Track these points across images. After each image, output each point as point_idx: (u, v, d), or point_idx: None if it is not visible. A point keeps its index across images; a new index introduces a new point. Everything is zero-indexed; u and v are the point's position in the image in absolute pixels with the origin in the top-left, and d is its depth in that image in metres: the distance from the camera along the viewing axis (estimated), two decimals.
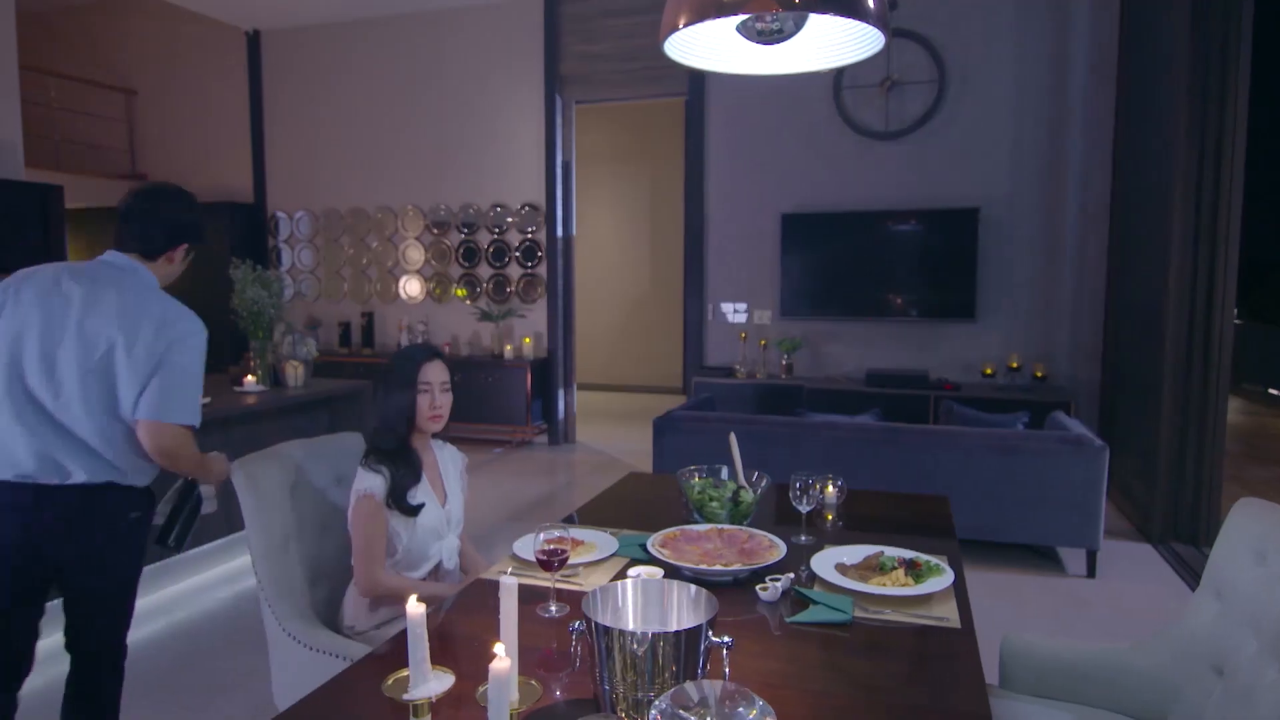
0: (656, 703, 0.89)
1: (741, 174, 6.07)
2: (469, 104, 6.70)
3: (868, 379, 5.55)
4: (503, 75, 6.58)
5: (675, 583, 1.17)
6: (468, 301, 6.85)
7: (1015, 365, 5.45)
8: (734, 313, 6.18)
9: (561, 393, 6.75)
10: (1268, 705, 1.35)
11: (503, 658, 0.84)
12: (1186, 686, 1.64)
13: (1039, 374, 5.43)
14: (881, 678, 1.39)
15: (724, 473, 2.29)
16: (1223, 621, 1.60)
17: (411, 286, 7.05)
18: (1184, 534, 4.23)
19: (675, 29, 1.64)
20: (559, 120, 6.47)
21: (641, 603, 1.16)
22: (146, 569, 3.37)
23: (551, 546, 1.63)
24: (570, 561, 1.72)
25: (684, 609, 1.14)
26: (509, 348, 6.57)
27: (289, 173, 7.31)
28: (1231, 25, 3.93)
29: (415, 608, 0.97)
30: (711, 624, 1.07)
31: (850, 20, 1.61)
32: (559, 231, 6.59)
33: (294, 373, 4.15)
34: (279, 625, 1.92)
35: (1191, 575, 3.79)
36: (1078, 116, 5.37)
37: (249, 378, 4.06)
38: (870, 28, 1.62)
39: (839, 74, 5.72)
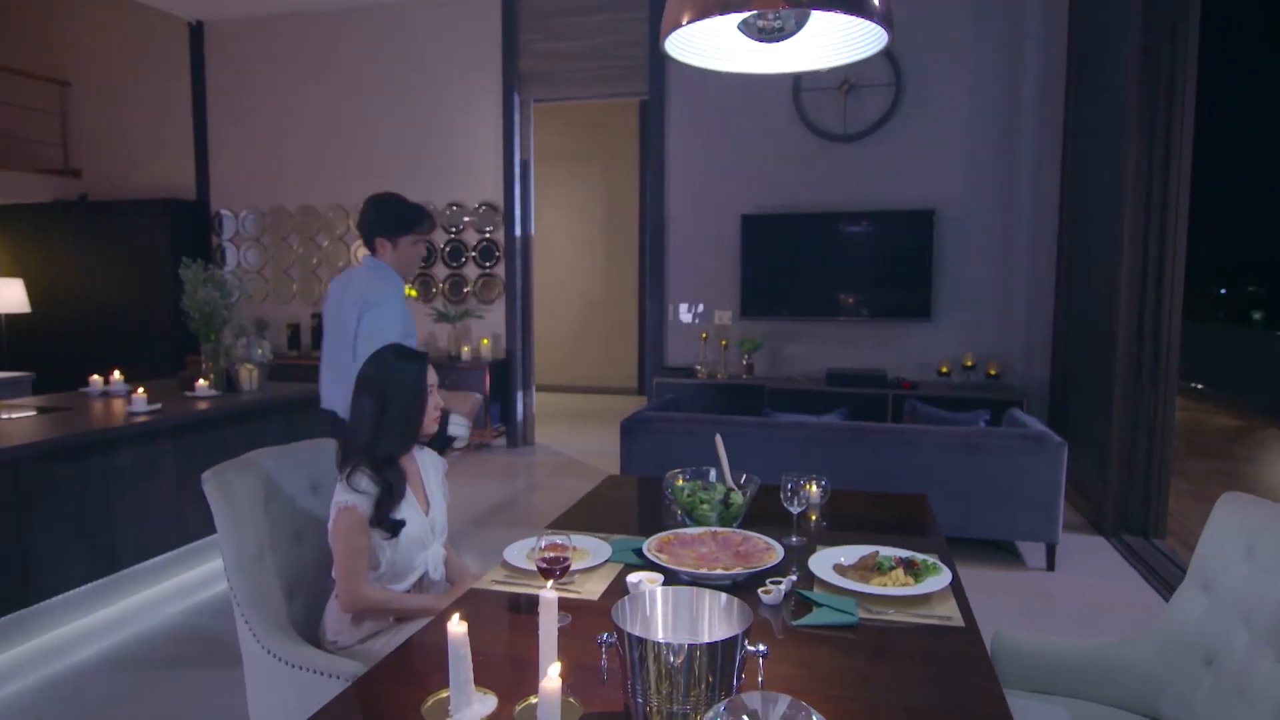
0: (709, 714, 0.86)
1: (702, 175, 6.08)
2: (424, 100, 6.57)
3: (828, 378, 5.61)
4: (459, 72, 6.47)
5: (706, 591, 1.14)
6: (417, 300, 6.71)
7: (970, 364, 5.58)
8: (695, 313, 6.18)
9: (520, 394, 6.66)
10: (1265, 697, 1.38)
11: (553, 678, 0.80)
12: (1176, 679, 1.68)
13: (992, 372, 5.57)
14: (897, 680, 1.38)
15: (712, 475, 2.27)
16: (1212, 614, 1.64)
17: None
18: (1135, 527, 4.37)
19: (678, 26, 1.61)
20: (517, 118, 6.39)
21: (672, 612, 1.13)
22: (87, 587, 3.23)
23: (553, 554, 1.59)
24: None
25: (716, 618, 1.11)
26: (466, 349, 6.46)
27: (234, 169, 7.06)
28: (1179, 35, 4.07)
29: (457, 627, 0.92)
30: (746, 633, 1.05)
31: (853, 18, 1.61)
32: (517, 231, 6.51)
33: (249, 377, 4.00)
34: (256, 642, 1.83)
35: (1144, 566, 3.92)
36: (1029, 122, 5.51)
37: (201, 382, 3.90)
38: (873, 26, 1.61)
39: (798, 76, 5.77)
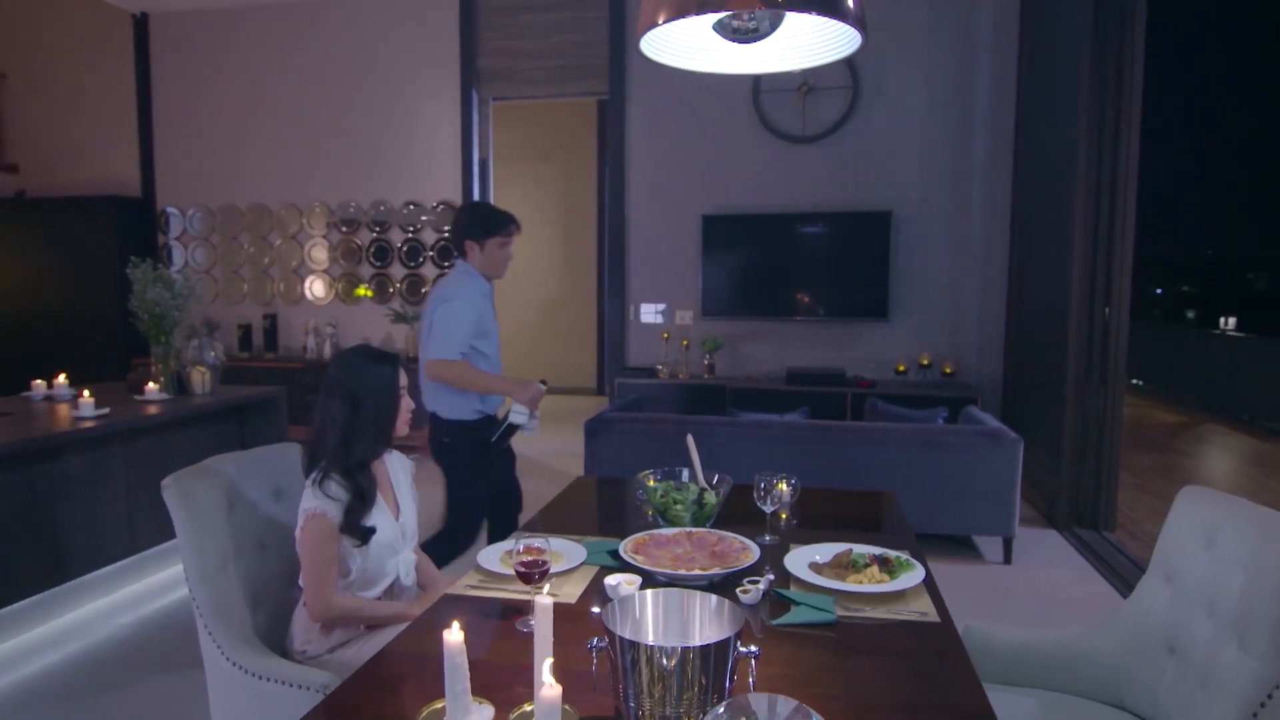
0: (708, 717, 0.86)
1: (663, 175, 6.09)
2: (380, 97, 6.46)
3: (788, 377, 5.66)
4: (416, 68, 6.37)
5: (696, 593, 1.14)
6: (373, 300, 6.60)
7: (926, 363, 5.68)
8: (656, 313, 6.18)
9: None
10: (1228, 685, 1.42)
11: (552, 685, 0.78)
12: (1140, 668, 1.72)
13: (948, 370, 5.68)
14: (880, 677, 1.40)
15: (684, 475, 2.27)
16: (1174, 605, 1.69)
17: (318, 287, 6.74)
18: (1086, 520, 4.50)
19: (654, 25, 1.61)
20: (476, 117, 6.32)
21: (663, 615, 1.12)
22: (34, 598, 3.10)
23: (531, 558, 1.57)
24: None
25: (706, 620, 1.11)
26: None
27: (182, 166, 6.86)
28: (1126, 42, 4.20)
29: (454, 636, 0.90)
30: (738, 634, 1.05)
31: (827, 20, 1.62)
32: None
33: (201, 379, 3.88)
34: (221, 654, 1.77)
35: (1096, 558, 4.04)
36: (981, 125, 5.63)
37: (151, 385, 3.77)
38: (846, 28, 1.63)
39: (757, 78, 5.81)
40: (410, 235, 6.53)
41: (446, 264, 6.50)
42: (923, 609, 1.65)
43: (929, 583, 1.76)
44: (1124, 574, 3.80)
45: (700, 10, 1.57)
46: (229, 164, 6.76)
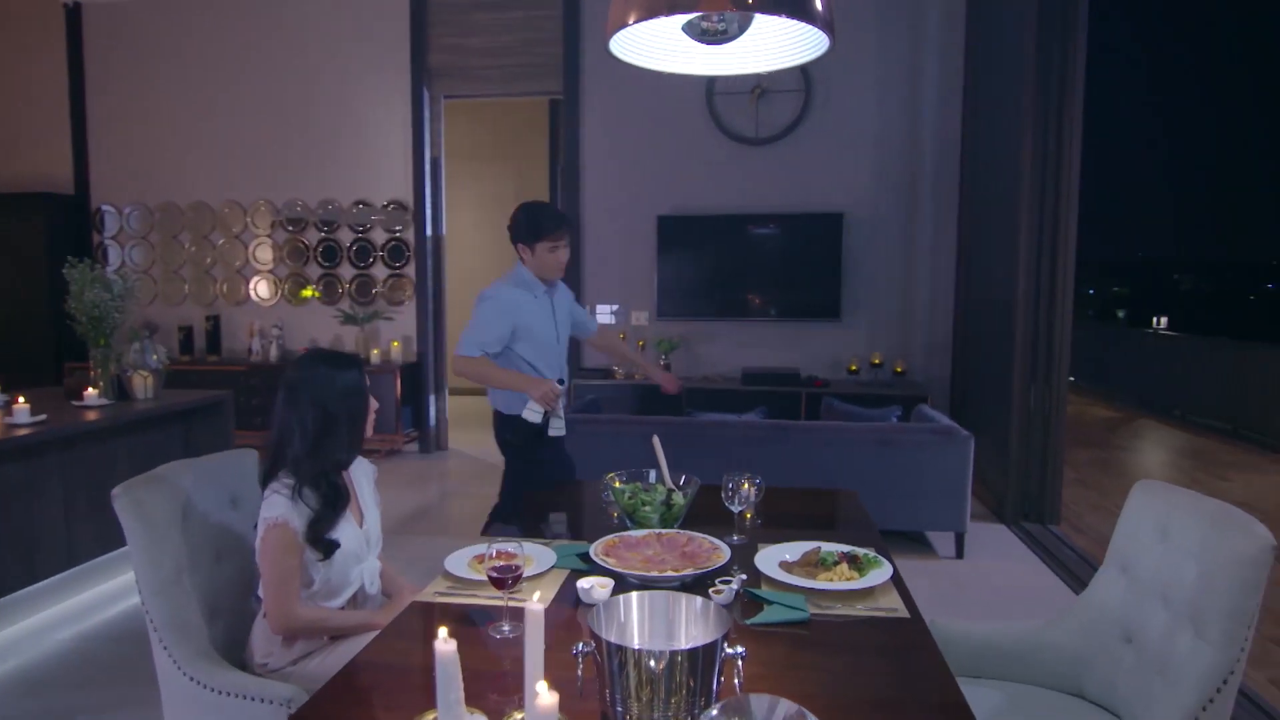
0: (702, 718, 0.85)
1: (617, 176, 6.08)
2: (328, 93, 6.32)
3: (744, 378, 5.70)
4: (365, 64, 6.25)
5: (682, 596, 1.13)
6: (320, 301, 6.45)
7: (877, 362, 5.78)
8: (610, 314, 6.17)
9: (433, 398, 6.50)
10: (1185, 671, 1.48)
11: (547, 694, 0.77)
12: (1098, 657, 1.78)
13: (899, 370, 5.79)
14: (855, 674, 1.41)
15: (651, 476, 2.27)
16: (1130, 595, 1.74)
17: (263, 288, 6.56)
18: (1033, 514, 4.63)
19: (624, 25, 1.60)
20: (427, 114, 6.23)
21: (649, 618, 1.11)
22: None
23: (504, 563, 1.55)
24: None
25: (692, 622, 1.10)
26: (375, 352, 6.26)
27: (118, 162, 6.60)
28: (1069, 50, 4.34)
29: (445, 645, 0.87)
30: (726, 636, 1.04)
31: (795, 23, 1.63)
32: (428, 230, 6.34)
33: (143, 384, 3.75)
34: (178, 669, 1.71)
35: (1043, 551, 4.16)
36: (929, 129, 5.76)
37: (89, 390, 3.62)
38: (815, 30, 1.64)
39: (711, 80, 5.84)
40: (360, 235, 6.40)
41: (398, 264, 6.39)
42: (892, 605, 1.67)
43: (896, 579, 1.79)
44: (1070, 566, 3.92)
45: (671, 11, 1.57)
46: (168, 160, 6.54)
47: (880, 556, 1.86)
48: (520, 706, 0.95)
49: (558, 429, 2.87)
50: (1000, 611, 3.44)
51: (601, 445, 4.10)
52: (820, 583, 1.73)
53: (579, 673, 1.05)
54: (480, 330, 2.86)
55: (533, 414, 2.78)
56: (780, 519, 2.32)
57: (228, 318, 6.57)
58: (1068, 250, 4.46)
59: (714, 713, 0.85)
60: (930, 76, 5.72)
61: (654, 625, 1.11)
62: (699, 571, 1.75)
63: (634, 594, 1.13)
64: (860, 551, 1.87)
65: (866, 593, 1.72)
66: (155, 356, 3.81)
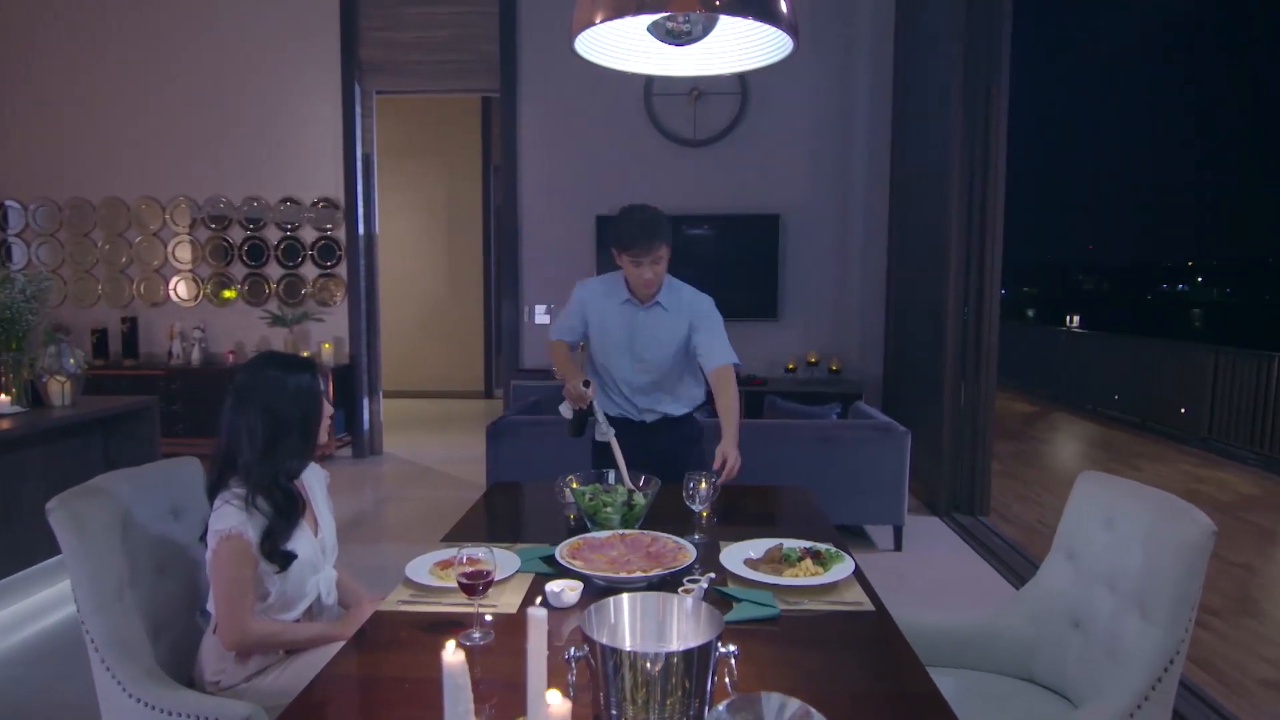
0: (709, 715, 0.85)
1: (556, 175, 6.04)
2: (252, 85, 6.08)
3: None
4: (292, 56, 6.04)
5: (673, 597, 1.13)
6: (247, 303, 6.22)
7: (814, 361, 5.90)
8: (548, 314, 6.13)
9: (366, 401, 6.33)
10: (1135, 653, 1.55)
11: (560, 703, 0.75)
12: (1047, 642, 1.85)
13: (834, 368, 5.92)
14: (829, 668, 1.43)
15: (610, 477, 2.26)
16: (1077, 582, 1.82)
17: (184, 288, 6.28)
18: (964, 506, 4.80)
19: (590, 24, 1.59)
20: (358, 109, 6.06)
21: (640, 619, 1.11)
22: None
23: (473, 569, 1.52)
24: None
25: (683, 622, 1.10)
26: (306, 354, 6.06)
27: (22, 155, 6.21)
28: (994, 57, 4.51)
29: (453, 656, 0.85)
30: (719, 636, 1.05)
31: (760, 25, 1.65)
32: (360, 229, 6.17)
33: (60, 389, 3.54)
34: (123, 691, 1.62)
35: (975, 541, 4.31)
36: (860, 131, 5.90)
37: (1, 397, 3.40)
38: (779, 33, 1.66)
39: (649, 81, 5.86)
40: (288, 234, 6.18)
41: (328, 263, 6.20)
42: (857, 599, 1.71)
43: (858, 573, 1.83)
44: (1001, 555, 4.08)
45: (639, 11, 1.57)
46: (79, 154, 6.19)
47: (841, 551, 1.89)
48: (523, 713, 0.93)
49: (602, 434, 2.58)
50: (940, 600, 3.55)
51: (545, 447, 4.07)
52: (786, 579, 1.75)
53: (570, 677, 1.04)
54: (562, 316, 2.86)
55: (565, 410, 2.68)
56: (735, 517, 2.34)
57: (145, 320, 6.27)
58: (995, 255, 4.64)
59: (721, 709, 0.85)
60: (862, 81, 5.87)
61: (645, 627, 1.11)
62: (667, 571, 1.75)
63: (625, 596, 1.12)
64: (821, 547, 1.90)
65: (831, 587, 1.75)
66: (73, 360, 3.60)
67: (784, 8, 1.59)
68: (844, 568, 1.81)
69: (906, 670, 1.41)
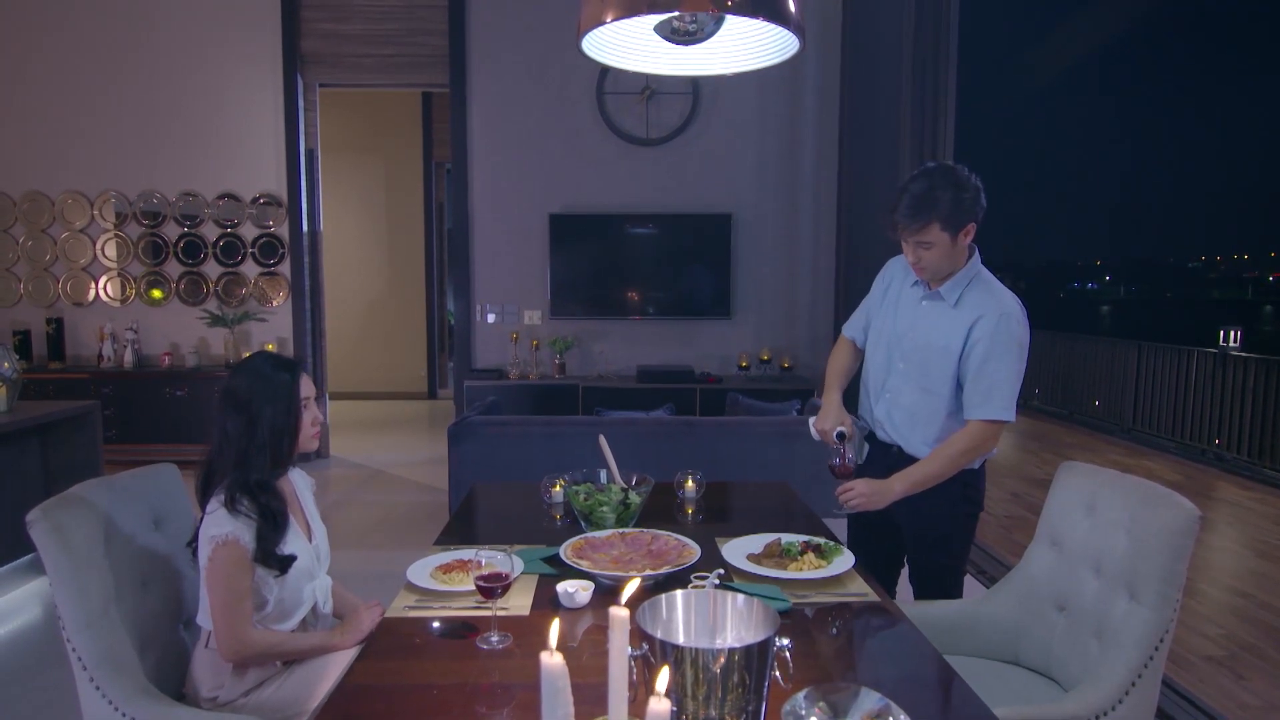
0: (786, 706, 0.87)
1: (507, 173, 5.98)
2: (187, 75, 5.83)
3: (639, 375, 5.76)
4: (230, 45, 5.82)
5: (725, 594, 1.14)
6: (184, 302, 5.97)
7: (766, 358, 6.00)
8: (501, 313, 6.07)
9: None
10: (1124, 631, 1.63)
11: (660, 701, 0.76)
12: (1033, 626, 1.93)
13: (785, 365, 6.03)
14: (847, 657, 1.47)
15: (602, 477, 2.26)
16: (1061, 567, 1.91)
17: (114, 287, 5.99)
18: None
19: (600, 23, 1.58)
20: (301, 103, 5.88)
21: (695, 617, 1.12)
22: None
23: (491, 571, 1.50)
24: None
25: (737, 618, 1.11)
26: (247, 355, 5.84)
27: None
28: (941, 65, 4.66)
29: (553, 659, 0.84)
30: (777, 632, 1.07)
31: (768, 26, 1.68)
32: (304, 226, 5.99)
33: None
34: (115, 710, 1.54)
35: None
36: (809, 131, 6.02)
37: None
38: (786, 33, 1.69)
39: (601, 79, 5.85)
40: (227, 231, 5.96)
41: (270, 261, 6.00)
42: (861, 590, 1.75)
43: (858, 565, 1.87)
44: None
45: (651, 10, 1.57)
46: None
47: (839, 544, 1.94)
48: (604, 713, 0.93)
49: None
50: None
51: (507, 447, 4.04)
52: (791, 573, 1.78)
53: (632, 677, 1.04)
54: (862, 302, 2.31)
55: (813, 430, 2.28)
56: (720, 513, 2.37)
57: (72, 320, 5.95)
58: None
59: (800, 699, 0.87)
60: (811, 81, 5.98)
61: (698, 623, 1.12)
62: (675, 569, 1.76)
63: (677, 593, 1.13)
64: (819, 540, 1.94)
65: (836, 579, 1.79)
66: (8, 365, 3.40)
67: (792, 8, 1.62)
68: (844, 560, 1.85)
69: (922, 658, 1.45)
